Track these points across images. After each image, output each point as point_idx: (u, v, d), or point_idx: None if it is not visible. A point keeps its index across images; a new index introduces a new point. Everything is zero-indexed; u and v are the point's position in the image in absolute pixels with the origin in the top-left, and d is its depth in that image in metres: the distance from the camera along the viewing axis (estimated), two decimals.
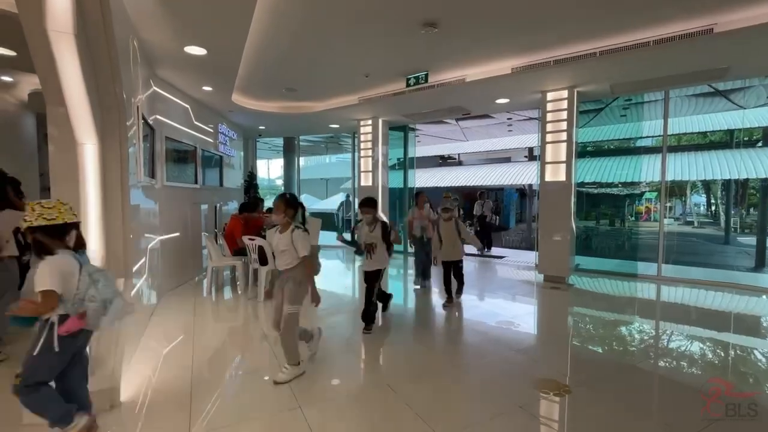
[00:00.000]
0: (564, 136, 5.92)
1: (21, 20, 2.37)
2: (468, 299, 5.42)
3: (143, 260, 4.01)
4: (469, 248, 5.35)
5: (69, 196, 2.61)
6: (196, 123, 6.66)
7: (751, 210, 15.13)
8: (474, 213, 9.94)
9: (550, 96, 5.98)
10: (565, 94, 5.86)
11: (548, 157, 6.06)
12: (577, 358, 3.53)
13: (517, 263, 7.93)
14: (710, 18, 3.99)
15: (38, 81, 5.26)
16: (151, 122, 4.99)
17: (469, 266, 7.87)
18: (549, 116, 6.02)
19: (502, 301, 5.43)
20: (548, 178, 6.08)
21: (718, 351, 3.76)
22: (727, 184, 14.36)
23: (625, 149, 11.55)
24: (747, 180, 13.83)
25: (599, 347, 3.85)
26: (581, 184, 9.78)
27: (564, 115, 5.89)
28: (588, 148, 11.06)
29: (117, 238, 2.99)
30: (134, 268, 3.34)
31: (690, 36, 4.13)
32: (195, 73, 5.24)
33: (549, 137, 6.04)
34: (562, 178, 5.94)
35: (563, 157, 5.92)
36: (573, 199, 5.98)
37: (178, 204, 5.99)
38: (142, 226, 4.08)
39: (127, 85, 3.23)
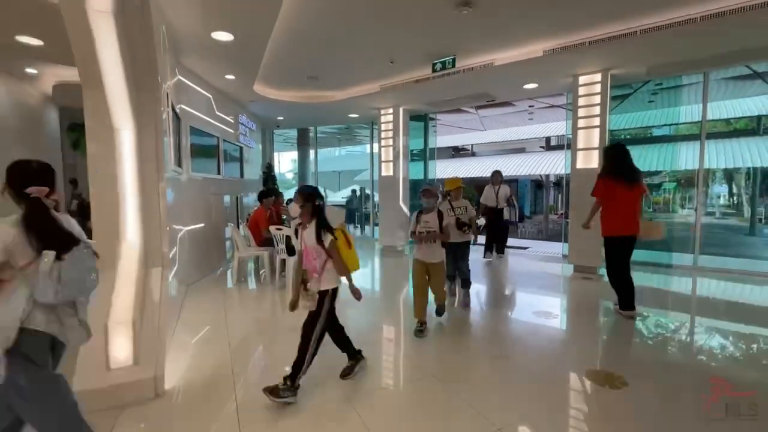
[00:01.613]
0: (596, 121, 5.69)
1: (59, 1, 2.29)
2: (497, 291, 5.27)
3: (174, 250, 3.97)
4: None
5: (106, 187, 2.56)
6: (218, 113, 6.59)
7: None
8: (481, 202, 7.13)
9: (582, 80, 5.75)
10: (598, 77, 5.63)
11: (580, 144, 5.84)
12: (628, 351, 3.39)
13: (539, 254, 7.73)
14: None
15: (63, 72, 5.21)
16: (177, 111, 4.93)
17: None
18: (581, 101, 5.80)
19: (533, 292, 5.30)
20: (580, 165, 5.87)
21: None
22: (753, 173, 13.89)
23: (650, 137, 11.16)
24: None
25: (649, 340, 3.68)
26: None
27: (597, 99, 5.66)
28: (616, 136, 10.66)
29: (155, 227, 2.93)
30: (169, 257, 3.29)
31: (743, 10, 3.89)
32: (219, 61, 5.14)
33: (581, 123, 5.82)
34: (595, 165, 5.73)
35: (596, 144, 5.70)
36: None
37: (202, 195, 5.96)
38: (172, 217, 4.04)
39: (162, 70, 3.15)
